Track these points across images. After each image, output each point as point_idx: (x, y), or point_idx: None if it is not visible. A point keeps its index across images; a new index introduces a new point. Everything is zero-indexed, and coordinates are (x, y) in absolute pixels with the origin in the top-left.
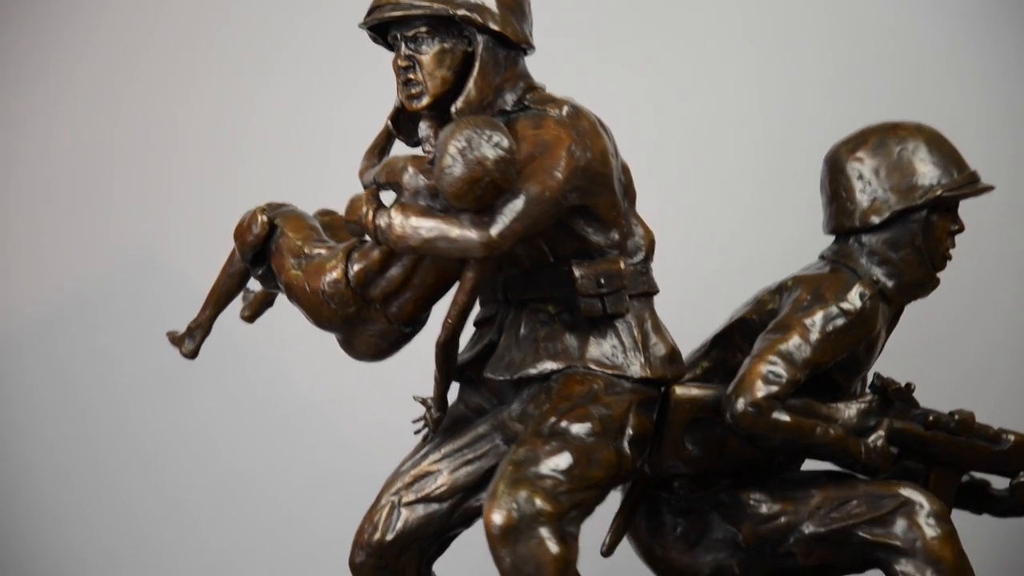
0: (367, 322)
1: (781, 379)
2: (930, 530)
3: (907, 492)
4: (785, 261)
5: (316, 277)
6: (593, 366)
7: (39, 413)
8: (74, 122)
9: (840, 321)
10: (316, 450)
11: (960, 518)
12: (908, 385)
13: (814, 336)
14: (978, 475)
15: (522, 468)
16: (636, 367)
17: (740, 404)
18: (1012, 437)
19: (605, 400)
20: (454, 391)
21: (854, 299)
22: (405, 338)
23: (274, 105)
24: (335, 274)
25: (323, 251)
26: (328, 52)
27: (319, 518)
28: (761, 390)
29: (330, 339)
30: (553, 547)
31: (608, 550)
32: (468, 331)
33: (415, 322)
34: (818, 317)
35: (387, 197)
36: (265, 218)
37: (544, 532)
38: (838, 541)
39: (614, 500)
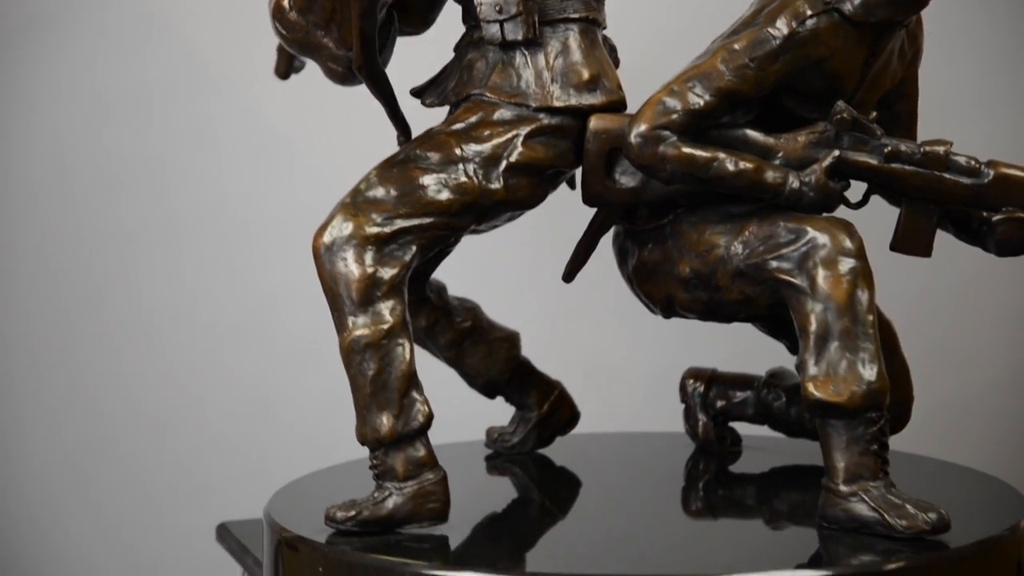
0: (320, 47)
1: (676, 108)
2: (829, 268)
3: (817, 227)
4: None
5: (274, 2)
6: (494, 93)
7: None
8: None
9: (766, 46)
10: (294, 182)
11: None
12: (870, 115)
13: (735, 63)
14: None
15: (358, 193)
16: (537, 95)
17: (631, 134)
18: (996, 170)
19: (487, 128)
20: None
21: (788, 21)
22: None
23: None
24: (283, 1)
25: None
26: None
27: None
28: (650, 120)
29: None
30: (363, 267)
31: (567, 276)
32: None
33: None
34: (743, 42)
35: None
36: None
37: (355, 253)
38: (754, 276)
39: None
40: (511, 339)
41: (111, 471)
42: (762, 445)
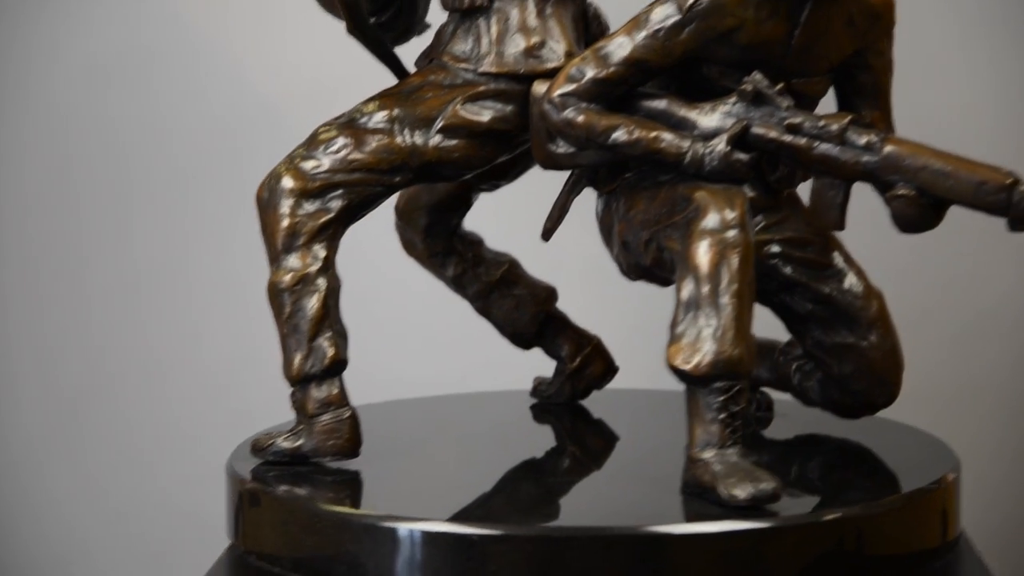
0: (337, 6)
1: (584, 76)
2: (702, 236)
3: (701, 196)
4: None
5: None
6: (448, 58)
7: None
8: None
9: (672, 18)
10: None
11: None
12: (779, 85)
13: (643, 32)
14: None
15: (300, 149)
16: (482, 60)
17: (543, 101)
18: (888, 146)
19: (432, 90)
20: None
21: None
22: None
23: None
24: None
25: None
26: None
27: None
28: (560, 88)
29: None
30: (290, 218)
31: (545, 235)
32: None
33: None
34: (654, 13)
35: None
36: None
37: (284, 204)
38: (657, 243)
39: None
40: (542, 294)
41: (100, 417)
42: (785, 411)
